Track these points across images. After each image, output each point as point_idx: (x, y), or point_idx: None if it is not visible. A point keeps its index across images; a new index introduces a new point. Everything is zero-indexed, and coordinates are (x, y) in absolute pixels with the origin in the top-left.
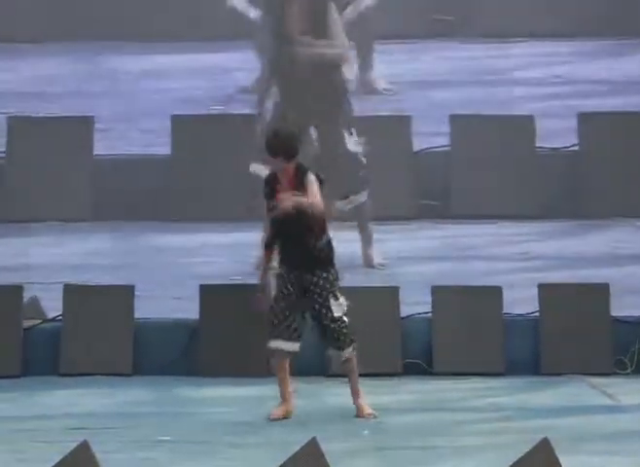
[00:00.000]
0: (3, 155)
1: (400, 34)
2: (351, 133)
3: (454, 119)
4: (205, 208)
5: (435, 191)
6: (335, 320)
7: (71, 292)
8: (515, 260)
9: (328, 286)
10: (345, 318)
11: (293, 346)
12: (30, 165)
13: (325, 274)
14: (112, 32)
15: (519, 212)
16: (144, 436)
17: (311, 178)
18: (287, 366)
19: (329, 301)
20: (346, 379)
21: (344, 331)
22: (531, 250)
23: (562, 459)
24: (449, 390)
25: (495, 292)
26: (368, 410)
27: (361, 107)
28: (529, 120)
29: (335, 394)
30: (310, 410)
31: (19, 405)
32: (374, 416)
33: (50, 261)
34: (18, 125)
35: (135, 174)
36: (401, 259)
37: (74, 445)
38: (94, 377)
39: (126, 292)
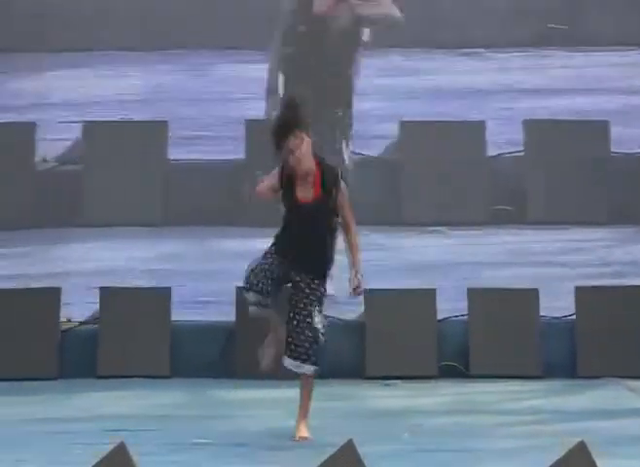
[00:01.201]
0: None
1: (513, 42)
2: (347, 145)
3: (528, 124)
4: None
5: (509, 196)
6: (312, 329)
7: (108, 294)
8: (590, 266)
9: (318, 294)
10: (321, 336)
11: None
12: (105, 170)
13: (317, 282)
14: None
15: (594, 217)
16: (181, 438)
17: (344, 186)
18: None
19: (314, 307)
20: (386, 381)
21: (313, 347)
22: (605, 256)
23: (599, 463)
24: (486, 393)
25: (532, 294)
26: (303, 432)
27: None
28: (604, 125)
29: (372, 396)
30: (348, 412)
31: (57, 407)
32: (305, 439)
33: (121, 265)
34: (94, 131)
35: (209, 179)
36: (474, 264)
37: (111, 447)
38: (131, 379)
39: (163, 294)
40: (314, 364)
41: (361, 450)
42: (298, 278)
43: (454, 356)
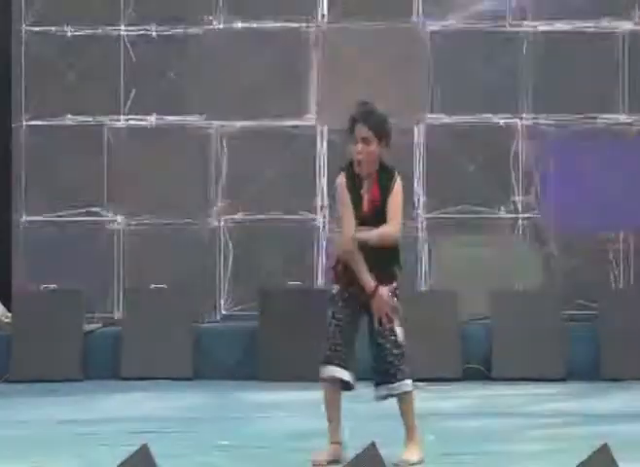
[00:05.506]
0: None
1: None
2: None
3: None
4: None
5: None
6: (398, 346)
7: (131, 296)
8: None
9: (393, 304)
10: (404, 351)
11: (345, 375)
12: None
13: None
14: None
15: None
16: (204, 440)
17: (398, 187)
18: (337, 400)
19: (393, 321)
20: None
21: (402, 360)
22: None
23: (622, 466)
24: (510, 396)
25: (554, 297)
26: (411, 457)
27: None
28: None
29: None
30: (372, 413)
31: (81, 408)
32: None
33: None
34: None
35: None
36: None
37: (134, 448)
38: (155, 380)
39: (187, 297)
40: (409, 377)
41: (384, 453)
42: (366, 300)
43: (478, 359)
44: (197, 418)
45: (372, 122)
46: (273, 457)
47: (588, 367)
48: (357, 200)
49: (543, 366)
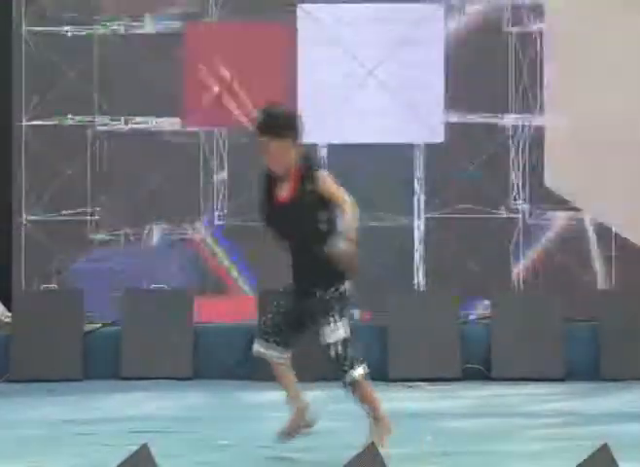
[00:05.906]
0: None
1: None
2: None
3: None
4: None
5: None
6: (326, 347)
7: (131, 296)
8: None
9: (332, 301)
10: (339, 348)
11: (274, 354)
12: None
13: (332, 289)
14: None
15: None
16: (204, 439)
17: (323, 174)
18: (282, 372)
19: (331, 318)
20: (407, 384)
21: (337, 361)
22: None
23: (622, 466)
24: (509, 395)
25: (554, 297)
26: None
27: None
28: None
29: (395, 399)
30: None
31: (81, 408)
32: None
33: None
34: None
35: None
36: None
37: (134, 448)
38: (155, 380)
39: (186, 296)
40: (352, 367)
41: (384, 452)
42: (312, 291)
43: (477, 359)
44: (197, 418)
45: (273, 126)
46: (273, 457)
47: (588, 367)
48: (271, 198)
49: (543, 366)
